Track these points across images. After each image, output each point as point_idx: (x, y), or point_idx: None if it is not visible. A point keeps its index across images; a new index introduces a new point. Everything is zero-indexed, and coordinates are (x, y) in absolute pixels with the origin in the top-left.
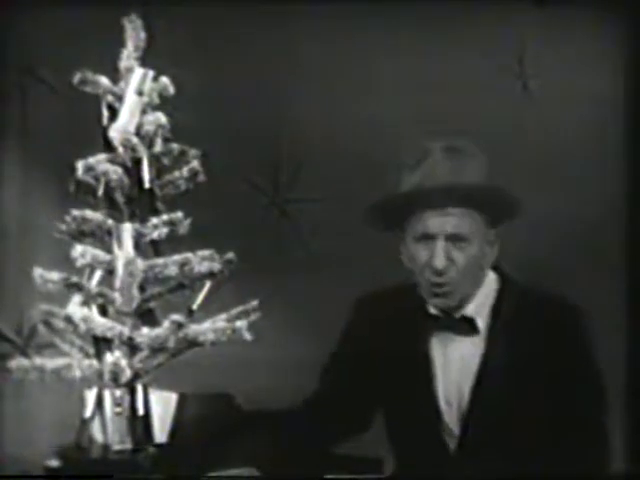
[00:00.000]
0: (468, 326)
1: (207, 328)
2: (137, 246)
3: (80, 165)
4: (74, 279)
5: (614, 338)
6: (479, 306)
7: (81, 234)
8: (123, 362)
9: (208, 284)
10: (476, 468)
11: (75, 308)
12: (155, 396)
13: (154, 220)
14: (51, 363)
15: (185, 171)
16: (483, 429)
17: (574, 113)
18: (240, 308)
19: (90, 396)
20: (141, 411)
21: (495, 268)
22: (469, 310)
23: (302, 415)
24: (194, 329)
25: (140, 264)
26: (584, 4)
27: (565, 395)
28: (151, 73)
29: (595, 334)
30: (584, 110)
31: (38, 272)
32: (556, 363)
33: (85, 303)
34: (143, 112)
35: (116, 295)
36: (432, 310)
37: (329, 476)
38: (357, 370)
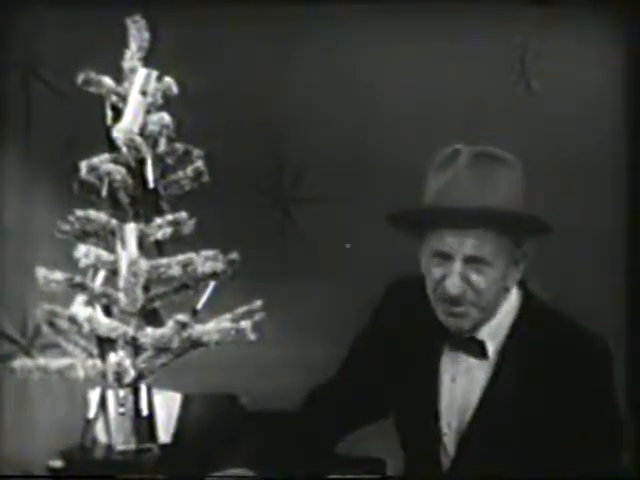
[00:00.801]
0: (478, 348)
1: (211, 328)
2: (141, 246)
3: (84, 165)
4: (78, 279)
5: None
6: (494, 327)
7: (84, 234)
8: (127, 362)
9: (212, 284)
10: None
11: (79, 308)
12: (159, 396)
13: (158, 220)
14: (55, 363)
15: (189, 171)
16: (478, 455)
17: (576, 111)
18: (244, 308)
19: (94, 396)
20: (145, 411)
21: (520, 283)
22: (481, 334)
23: (308, 409)
24: (198, 329)
25: (144, 264)
26: (585, 3)
27: (574, 432)
28: (155, 73)
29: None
30: (586, 108)
31: (42, 272)
32: (568, 396)
33: (89, 303)
34: (147, 112)
35: (120, 295)
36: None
37: (332, 476)
38: (373, 360)
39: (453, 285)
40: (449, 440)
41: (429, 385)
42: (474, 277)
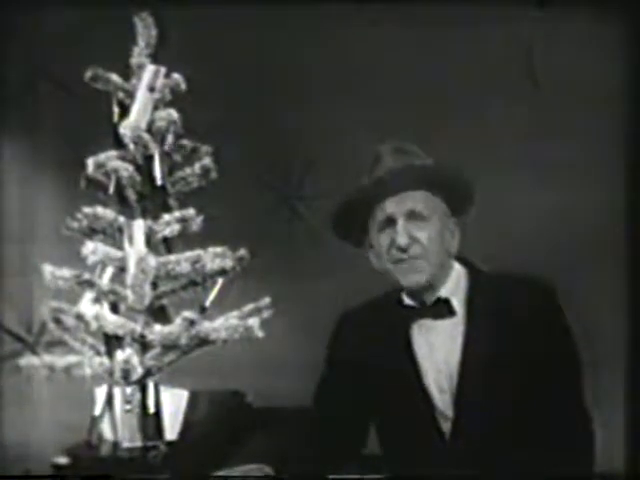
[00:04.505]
0: (445, 308)
1: (219, 325)
2: (149, 243)
3: (90, 162)
4: (86, 276)
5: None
6: (452, 287)
7: (92, 231)
8: (134, 359)
9: (220, 281)
10: (471, 447)
11: (87, 305)
12: (166, 393)
13: (166, 217)
14: (61, 361)
15: (197, 168)
16: (476, 407)
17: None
18: (252, 305)
19: (100, 394)
20: (152, 409)
21: (461, 260)
22: (443, 292)
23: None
24: (206, 326)
25: (152, 261)
26: (586, 3)
27: (547, 370)
28: (163, 69)
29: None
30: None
31: (48, 269)
32: (534, 338)
33: (97, 300)
34: (155, 108)
35: (128, 292)
36: (407, 301)
37: (333, 476)
38: (348, 385)
39: (401, 237)
40: (445, 404)
41: (408, 369)
42: (417, 233)
